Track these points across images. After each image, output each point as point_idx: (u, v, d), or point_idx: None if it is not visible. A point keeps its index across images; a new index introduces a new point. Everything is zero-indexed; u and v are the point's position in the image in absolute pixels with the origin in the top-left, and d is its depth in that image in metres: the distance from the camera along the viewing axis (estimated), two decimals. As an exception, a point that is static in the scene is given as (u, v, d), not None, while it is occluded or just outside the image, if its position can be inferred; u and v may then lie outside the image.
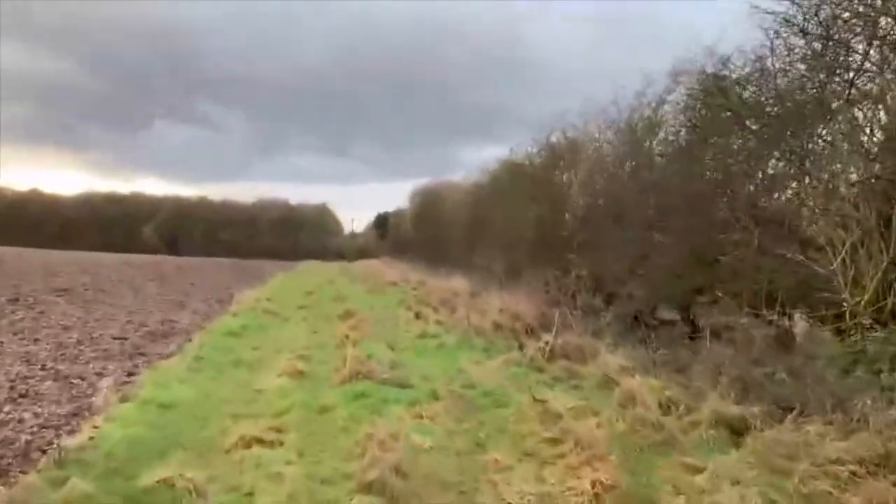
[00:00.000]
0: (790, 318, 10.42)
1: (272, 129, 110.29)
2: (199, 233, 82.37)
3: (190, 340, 11.82)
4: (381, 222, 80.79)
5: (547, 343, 10.50)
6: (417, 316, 15.93)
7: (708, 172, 11.24)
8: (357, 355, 9.48)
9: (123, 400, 7.48)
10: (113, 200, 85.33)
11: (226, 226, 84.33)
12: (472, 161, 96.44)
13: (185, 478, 5.10)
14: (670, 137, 12.78)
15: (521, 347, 11.33)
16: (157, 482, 5.07)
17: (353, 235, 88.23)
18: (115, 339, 11.71)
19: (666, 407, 7.35)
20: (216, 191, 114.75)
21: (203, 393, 8.04)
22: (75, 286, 20.71)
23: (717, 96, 10.78)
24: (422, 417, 7.15)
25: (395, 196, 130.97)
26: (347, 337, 11.71)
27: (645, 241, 11.87)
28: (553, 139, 18.35)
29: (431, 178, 38.92)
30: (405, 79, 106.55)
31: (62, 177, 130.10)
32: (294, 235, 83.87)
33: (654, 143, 13.30)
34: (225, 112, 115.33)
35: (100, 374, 8.78)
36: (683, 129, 12.09)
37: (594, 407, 7.42)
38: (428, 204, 36.22)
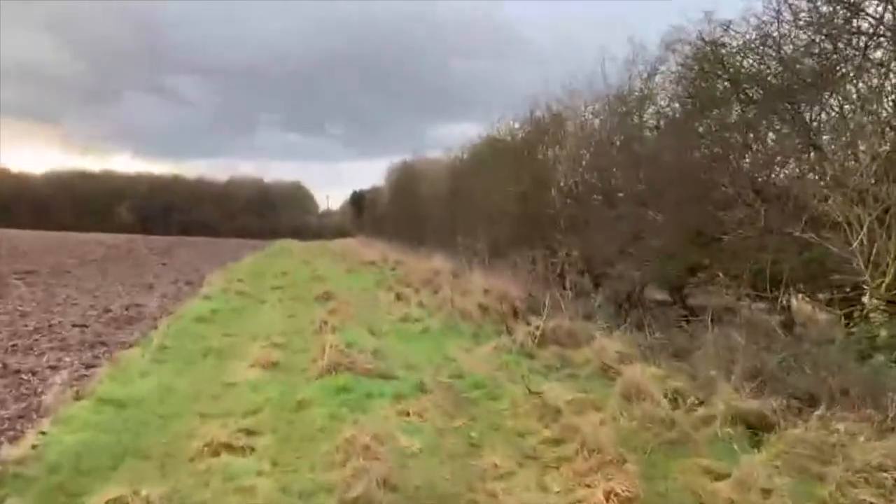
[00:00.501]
0: (791, 301, 9.91)
1: (246, 106, 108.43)
2: (174, 211, 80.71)
3: (156, 327, 10.98)
4: (357, 200, 79.64)
5: (537, 327, 9.85)
6: (398, 297, 15.21)
7: (704, 146, 10.58)
8: (336, 343, 8.74)
9: (77, 398, 6.69)
10: (85, 178, 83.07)
11: (200, 204, 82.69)
12: (448, 139, 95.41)
13: (140, 496, 4.38)
14: (663, 109, 12.12)
15: (509, 332, 10.69)
16: (107, 503, 4.34)
17: (329, 214, 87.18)
18: (75, 326, 10.83)
19: (673, 400, 6.73)
20: (190, 168, 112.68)
21: (167, 388, 7.26)
22: (39, 268, 19.64)
23: (714, 65, 10.10)
24: (409, 415, 6.46)
25: (369, 175, 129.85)
26: (326, 322, 10.95)
27: (637, 218, 11.24)
28: (537, 113, 17.60)
29: (408, 155, 37.86)
30: (379, 56, 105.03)
31: (32, 153, 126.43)
32: (269, 214, 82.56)
33: (646, 115, 12.64)
34: (198, 87, 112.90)
35: (54, 368, 7.95)
36: (677, 101, 11.42)
37: (595, 400, 6.78)
38: (405, 181, 35.33)
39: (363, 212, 69.82)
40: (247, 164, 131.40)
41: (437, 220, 27.04)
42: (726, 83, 10.10)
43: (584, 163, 15.03)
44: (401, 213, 34.88)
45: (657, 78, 12.36)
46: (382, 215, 43.79)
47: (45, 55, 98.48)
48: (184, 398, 6.93)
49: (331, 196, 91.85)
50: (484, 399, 7.23)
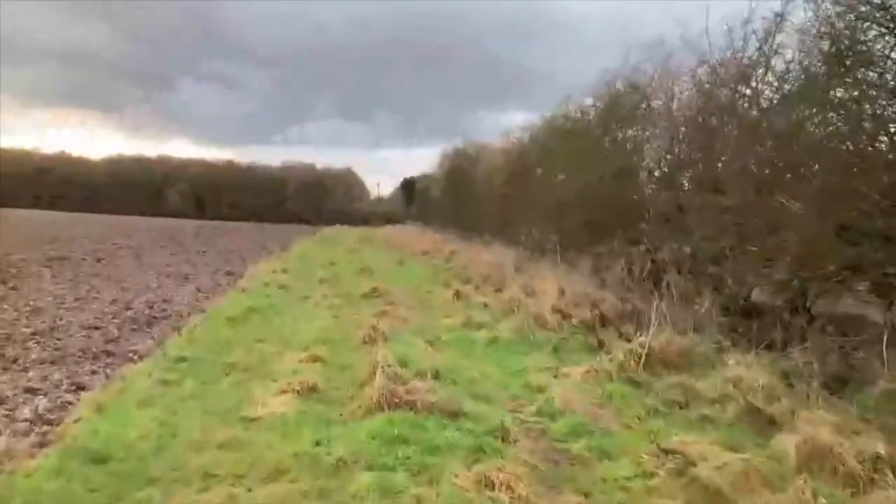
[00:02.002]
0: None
1: (299, 94, 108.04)
2: (226, 197, 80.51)
3: (179, 330, 9.25)
4: (408, 187, 77.99)
5: (642, 344, 7.71)
6: (457, 296, 13.21)
7: (850, 116, 8.24)
8: (388, 360, 6.80)
9: (42, 443, 4.93)
10: (140, 163, 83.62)
11: (252, 190, 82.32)
12: (497, 128, 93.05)
13: None
14: (786, 74, 9.75)
15: (601, 346, 8.60)
16: None
17: (379, 201, 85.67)
18: (84, 328, 9.17)
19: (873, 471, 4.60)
20: (244, 154, 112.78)
21: (169, 427, 5.41)
22: (72, 254, 18.32)
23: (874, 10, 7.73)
24: (492, 487, 4.46)
25: (419, 162, 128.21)
26: (375, 329, 9.03)
27: (759, 207, 8.97)
28: (617, 85, 15.29)
29: (460, 142, 35.64)
30: (428, 44, 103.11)
31: (92, 138, 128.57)
32: (320, 200, 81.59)
33: (765, 80, 10.27)
34: (250, 73, 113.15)
35: (32, 392, 6.20)
36: (813, 59, 9.04)
37: (761, 469, 4.66)
38: (460, 167, 33.23)
39: (413, 199, 68.19)
40: (299, 151, 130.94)
41: (495, 209, 24.92)
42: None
43: (682, 142, 12.72)
44: (455, 201, 32.83)
45: (779, 37, 10.01)
46: (435, 202, 41.85)
47: (102, 43, 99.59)
48: (187, 446, 5.06)
49: (380, 183, 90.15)
50: (593, 456, 5.16)
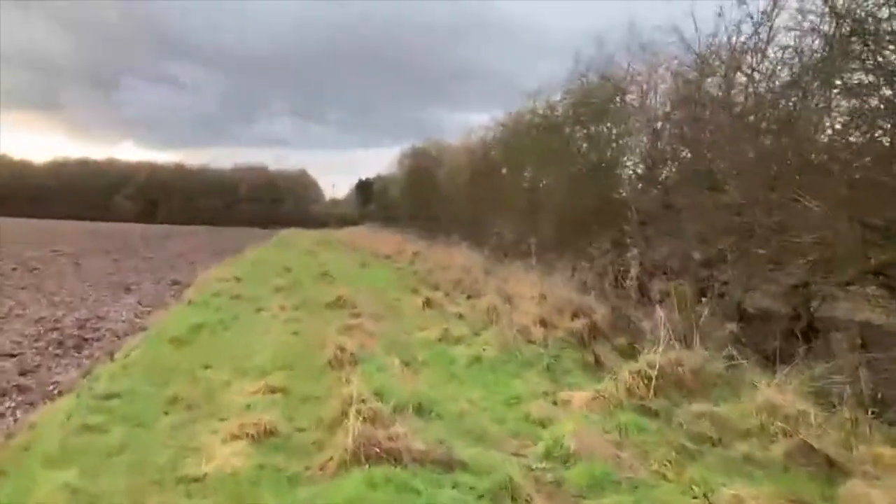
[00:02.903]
0: None
1: (250, 95, 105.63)
2: (177, 200, 77.74)
3: (112, 356, 7.89)
4: (364, 188, 76.51)
5: (651, 364, 6.67)
6: (428, 304, 12.05)
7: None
8: (361, 393, 5.63)
9: None
10: (86, 166, 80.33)
11: (204, 193, 79.75)
12: (456, 126, 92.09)
13: None
14: (790, 60, 8.87)
15: (599, 364, 7.57)
16: None
17: (335, 202, 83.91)
18: (-4, 355, 7.74)
19: None
20: (195, 157, 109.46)
21: (80, 499, 4.15)
22: (2, 265, 16.54)
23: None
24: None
25: (373, 163, 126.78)
26: (343, 350, 7.80)
27: (768, 206, 8.06)
28: (590, 79, 14.33)
29: (419, 141, 34.43)
30: (381, 44, 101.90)
31: (36, 141, 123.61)
32: (274, 203, 79.58)
33: (760, 68, 9.39)
34: (202, 76, 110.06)
35: None
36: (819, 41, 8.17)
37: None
38: (421, 167, 32.09)
39: (370, 200, 66.75)
40: (251, 153, 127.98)
41: (460, 209, 23.84)
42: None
43: (659, 136, 11.83)
44: (416, 201, 31.65)
45: (778, 20, 9.14)
46: (394, 203, 40.57)
47: (47, 42, 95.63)
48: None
49: (335, 184, 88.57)
50: (627, 522, 4.09)
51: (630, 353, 8.29)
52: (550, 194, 15.25)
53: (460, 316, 10.75)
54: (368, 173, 74.58)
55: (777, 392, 5.83)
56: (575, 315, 10.32)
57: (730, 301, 8.97)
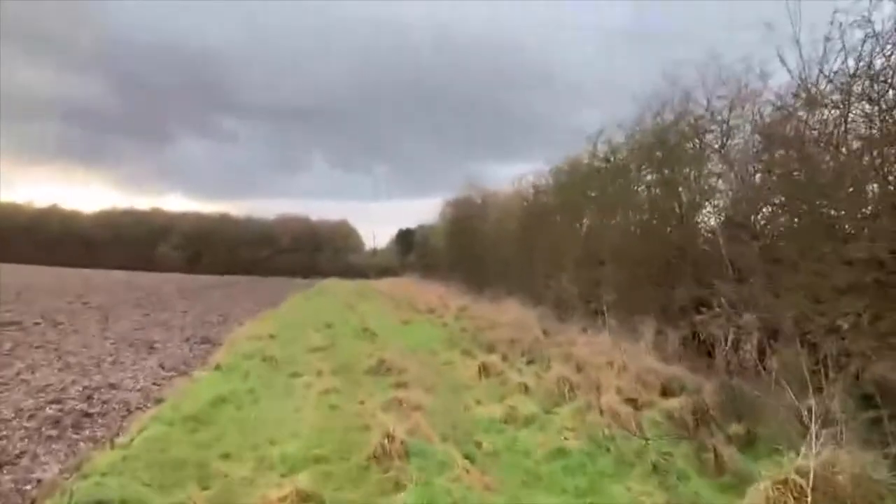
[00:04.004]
0: None
1: (291, 147, 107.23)
2: (220, 250, 77.97)
3: (114, 440, 6.48)
4: (404, 238, 75.69)
5: (801, 471, 4.95)
6: (484, 370, 10.43)
7: None
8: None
9: None
10: (132, 216, 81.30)
11: (246, 243, 79.93)
12: (496, 178, 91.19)
13: None
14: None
15: (719, 463, 5.85)
16: None
17: (375, 252, 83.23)
18: (-25, 439, 6.38)
19: None
20: (238, 207, 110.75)
21: None
22: (27, 317, 15.51)
23: None
24: None
25: (413, 213, 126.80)
26: (390, 438, 6.25)
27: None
28: (663, 118, 12.85)
29: (461, 192, 33.04)
30: (423, 97, 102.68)
31: (89, 194, 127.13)
32: (315, 252, 79.31)
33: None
34: (245, 127, 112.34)
35: None
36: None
37: None
38: (465, 216, 30.75)
39: (411, 250, 65.75)
40: (294, 203, 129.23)
41: (507, 259, 22.32)
42: None
43: (751, 178, 10.22)
44: (459, 251, 30.23)
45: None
46: (436, 253, 39.25)
47: (96, 95, 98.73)
48: None
49: (376, 234, 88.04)
50: None
51: (749, 445, 6.58)
52: (615, 244, 13.62)
53: (525, 388, 9.08)
54: (409, 224, 74.03)
55: None
56: (665, 391, 8.64)
57: (861, 377, 7.19)
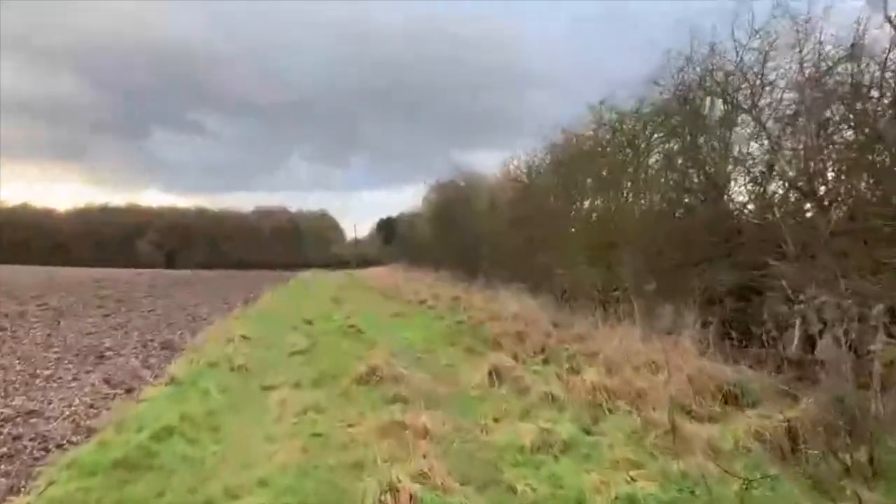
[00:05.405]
0: None
1: (269, 141, 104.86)
2: (198, 244, 75.50)
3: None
4: (386, 227, 73.81)
5: None
6: (496, 376, 8.58)
7: None
8: None
9: None
10: (107, 213, 78.30)
11: (225, 236, 77.55)
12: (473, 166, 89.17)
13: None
14: None
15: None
16: None
17: (356, 242, 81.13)
18: None
19: None
20: (216, 202, 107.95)
21: None
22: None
23: None
24: None
25: (394, 203, 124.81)
26: (393, 490, 4.43)
27: None
28: (680, 78, 11.05)
29: (451, 173, 31.15)
30: (398, 89, 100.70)
31: (65, 190, 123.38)
32: (295, 244, 77.10)
33: None
34: (222, 121, 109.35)
35: None
36: None
37: None
38: (450, 201, 28.90)
39: (392, 239, 63.90)
40: (273, 197, 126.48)
41: (501, 246, 20.49)
42: None
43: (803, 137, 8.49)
44: (446, 238, 28.33)
45: None
46: (420, 241, 37.36)
47: (71, 93, 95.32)
48: None
49: (356, 224, 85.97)
50: None
51: (876, 479, 4.84)
52: (630, 225, 11.85)
53: (552, 398, 7.27)
54: (390, 213, 72.28)
55: None
56: (727, 398, 6.87)
57: None
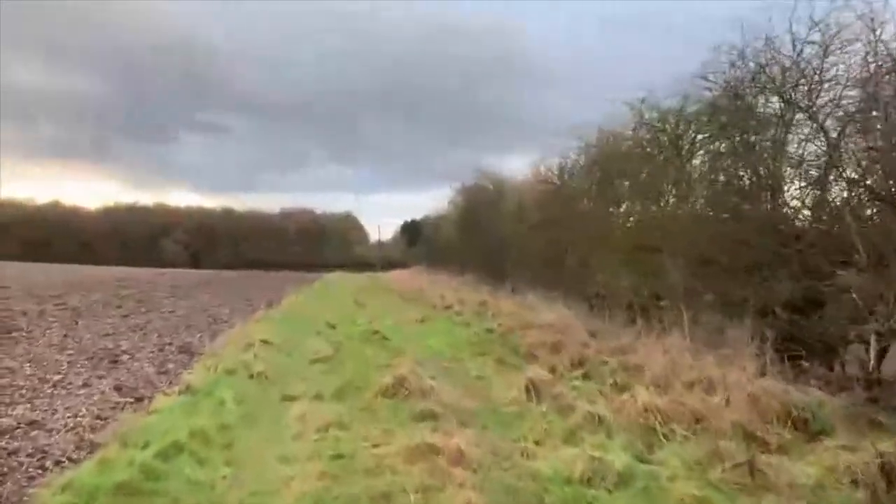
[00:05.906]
0: None
1: (292, 141, 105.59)
2: (224, 244, 75.74)
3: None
4: (410, 230, 73.32)
5: None
6: (533, 391, 7.90)
7: None
8: None
9: None
10: (134, 212, 78.94)
11: (250, 237, 77.74)
12: (501, 169, 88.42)
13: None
14: None
15: None
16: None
17: (380, 244, 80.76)
18: None
19: None
20: (239, 202, 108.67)
21: None
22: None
23: None
24: None
25: (419, 205, 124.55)
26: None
27: None
28: (732, 74, 10.29)
29: (477, 177, 30.38)
30: (423, 92, 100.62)
31: (92, 190, 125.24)
32: (320, 245, 77.01)
33: None
34: (247, 122, 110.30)
35: None
36: None
37: None
38: (478, 203, 28.23)
39: (416, 242, 63.39)
40: (294, 197, 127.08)
41: (529, 250, 19.78)
42: None
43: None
44: (473, 241, 27.64)
45: None
46: (445, 244, 36.72)
47: (99, 96, 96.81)
48: None
49: (381, 227, 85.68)
50: None
51: None
52: (675, 229, 11.09)
53: (598, 420, 6.57)
54: (414, 216, 71.87)
55: None
56: (796, 423, 6.12)
57: None
